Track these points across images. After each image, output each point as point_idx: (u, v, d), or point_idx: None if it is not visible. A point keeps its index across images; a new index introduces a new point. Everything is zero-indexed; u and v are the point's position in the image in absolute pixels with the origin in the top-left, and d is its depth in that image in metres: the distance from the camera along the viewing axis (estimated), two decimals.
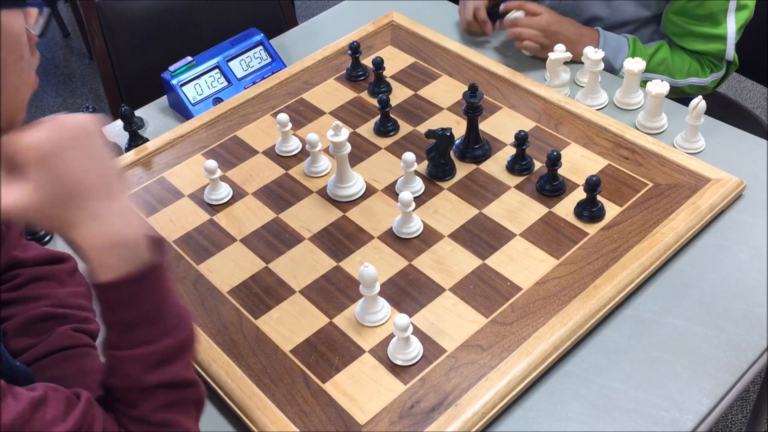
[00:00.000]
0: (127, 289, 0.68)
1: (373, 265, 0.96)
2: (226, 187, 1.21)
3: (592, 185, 1.07)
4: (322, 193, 1.20)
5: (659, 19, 1.47)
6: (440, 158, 1.18)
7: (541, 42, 1.38)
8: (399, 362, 0.96)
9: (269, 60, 1.47)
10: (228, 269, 1.10)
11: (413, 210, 1.10)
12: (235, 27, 1.52)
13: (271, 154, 1.28)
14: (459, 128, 1.24)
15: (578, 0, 1.47)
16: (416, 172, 1.18)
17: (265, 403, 0.93)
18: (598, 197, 1.10)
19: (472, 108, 1.18)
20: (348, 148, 1.13)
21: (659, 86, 1.22)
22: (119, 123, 1.37)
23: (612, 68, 1.41)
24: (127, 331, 0.70)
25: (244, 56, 1.46)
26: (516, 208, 1.14)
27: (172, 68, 1.41)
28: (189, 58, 1.42)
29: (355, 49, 1.38)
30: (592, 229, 1.09)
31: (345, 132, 1.11)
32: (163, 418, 0.71)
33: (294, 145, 1.27)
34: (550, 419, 0.92)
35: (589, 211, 1.10)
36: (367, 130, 1.30)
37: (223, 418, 0.95)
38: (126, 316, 0.69)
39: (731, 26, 1.39)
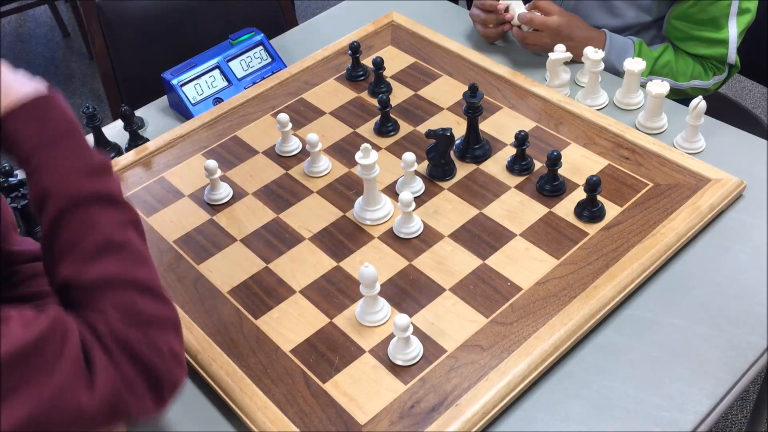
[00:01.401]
0: (34, 106, 0.72)
1: (373, 265, 0.96)
2: (226, 187, 1.21)
3: (593, 185, 1.07)
4: (322, 193, 1.20)
5: (660, 23, 1.47)
6: (440, 158, 1.18)
7: (548, 46, 1.37)
8: (399, 362, 0.96)
9: (269, 60, 1.47)
10: (228, 269, 1.10)
11: (413, 210, 1.10)
12: (235, 27, 1.52)
13: (271, 154, 1.28)
14: (459, 128, 1.25)
15: (579, 1, 1.47)
16: (416, 172, 1.18)
17: (265, 403, 0.93)
18: (599, 197, 1.10)
19: (472, 108, 1.18)
20: (377, 170, 1.10)
21: (659, 86, 1.22)
22: (119, 123, 1.37)
23: (617, 70, 1.41)
24: (52, 148, 0.72)
25: (244, 56, 1.46)
26: (516, 208, 1.14)
27: (173, 72, 1.41)
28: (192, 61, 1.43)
29: (355, 49, 1.38)
30: (592, 229, 1.09)
31: (374, 154, 1.09)
32: (122, 237, 0.74)
33: (294, 145, 1.27)
34: (550, 419, 0.92)
35: (590, 211, 1.10)
36: (367, 130, 1.30)
37: (223, 418, 0.95)
38: (43, 133, 0.72)
39: (733, 30, 1.39)
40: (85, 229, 0.72)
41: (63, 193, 0.72)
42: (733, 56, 1.42)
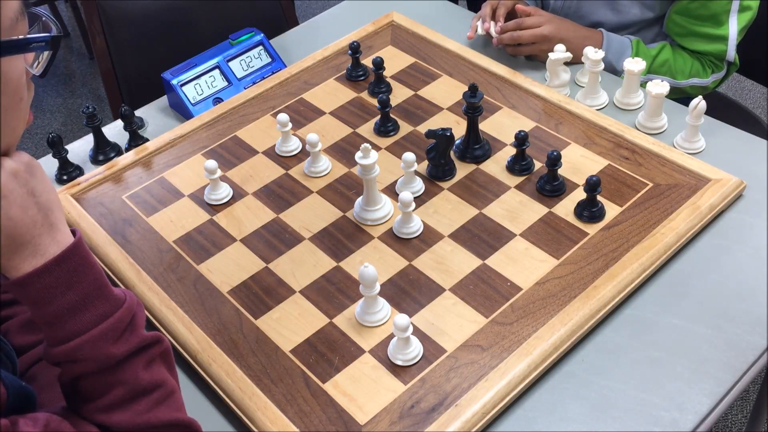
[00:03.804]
0: (60, 270, 0.67)
1: (373, 265, 0.96)
2: (226, 187, 1.21)
3: (592, 185, 1.07)
4: (322, 193, 1.20)
5: (662, 20, 1.47)
6: (440, 158, 1.18)
7: (544, 53, 1.37)
8: (399, 362, 0.96)
9: (269, 60, 1.47)
10: (228, 269, 1.10)
11: (413, 210, 1.10)
12: (235, 27, 1.52)
13: (271, 154, 1.28)
14: (459, 128, 1.24)
15: (582, 1, 1.47)
16: (416, 172, 1.18)
17: (265, 403, 0.93)
18: (598, 197, 1.10)
19: (472, 108, 1.18)
20: (377, 170, 1.10)
21: (659, 86, 1.22)
22: (119, 123, 1.37)
23: (615, 70, 1.41)
24: (77, 315, 0.68)
25: (244, 56, 1.46)
26: (516, 209, 1.14)
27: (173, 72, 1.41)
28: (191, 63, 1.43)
29: (355, 49, 1.38)
30: (592, 230, 1.09)
31: (374, 154, 1.09)
32: (150, 378, 0.71)
33: (294, 145, 1.27)
34: (550, 419, 0.92)
35: (589, 211, 1.10)
36: (367, 130, 1.30)
37: (223, 418, 0.95)
38: (69, 299, 0.68)
39: (733, 27, 1.39)
40: (113, 383, 0.71)
41: (92, 359, 0.69)
42: (732, 53, 1.42)
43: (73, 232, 0.71)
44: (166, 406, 0.73)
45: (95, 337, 0.69)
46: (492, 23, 1.42)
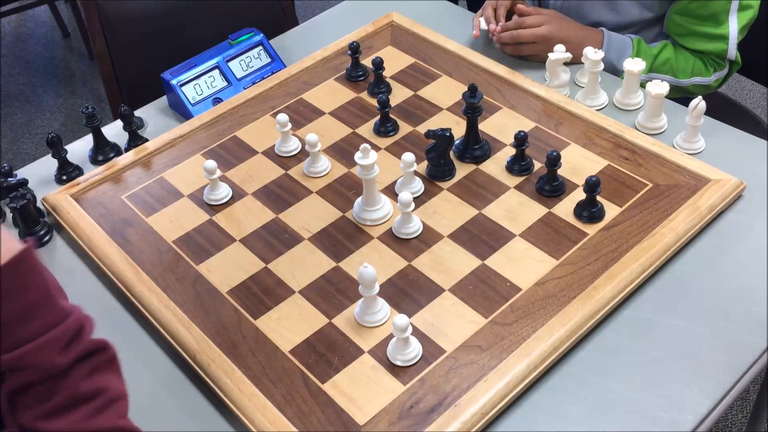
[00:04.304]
0: (11, 275, 0.67)
1: (372, 265, 0.96)
2: (226, 188, 1.21)
3: (592, 186, 1.07)
4: (322, 193, 1.20)
5: (662, 20, 1.47)
6: (440, 158, 1.18)
7: (544, 53, 1.36)
8: (398, 363, 0.96)
9: (269, 60, 1.47)
10: (227, 269, 1.10)
11: (413, 210, 1.09)
12: (235, 27, 1.52)
13: (270, 154, 1.28)
14: (459, 128, 1.24)
15: (582, 1, 1.47)
16: (416, 173, 1.18)
17: (264, 403, 0.93)
18: (598, 198, 1.10)
19: (472, 108, 1.18)
20: (376, 170, 1.10)
21: (659, 86, 1.22)
22: (119, 123, 1.37)
23: (616, 69, 1.41)
24: (24, 323, 0.68)
25: (243, 56, 1.46)
26: (516, 209, 1.14)
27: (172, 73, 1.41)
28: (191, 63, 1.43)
29: (354, 49, 1.38)
30: (591, 230, 1.09)
31: (373, 155, 1.09)
32: (92, 386, 0.71)
33: (294, 146, 1.27)
34: (549, 420, 0.92)
35: (589, 211, 1.10)
36: (366, 130, 1.30)
37: (222, 419, 0.95)
38: (17, 307, 0.68)
39: (733, 26, 1.39)
40: (56, 390, 0.71)
41: (37, 367, 0.69)
42: (733, 52, 1.42)
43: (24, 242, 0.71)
44: (107, 414, 0.73)
45: (41, 345, 0.69)
46: (493, 23, 1.42)
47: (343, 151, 1.27)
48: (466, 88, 1.21)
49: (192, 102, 1.39)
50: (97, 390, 0.73)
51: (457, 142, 1.23)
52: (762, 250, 1.07)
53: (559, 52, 1.31)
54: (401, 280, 1.06)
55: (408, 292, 1.04)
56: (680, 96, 1.44)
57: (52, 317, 0.70)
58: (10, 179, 1.21)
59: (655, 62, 1.42)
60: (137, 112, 1.42)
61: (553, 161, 1.12)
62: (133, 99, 1.70)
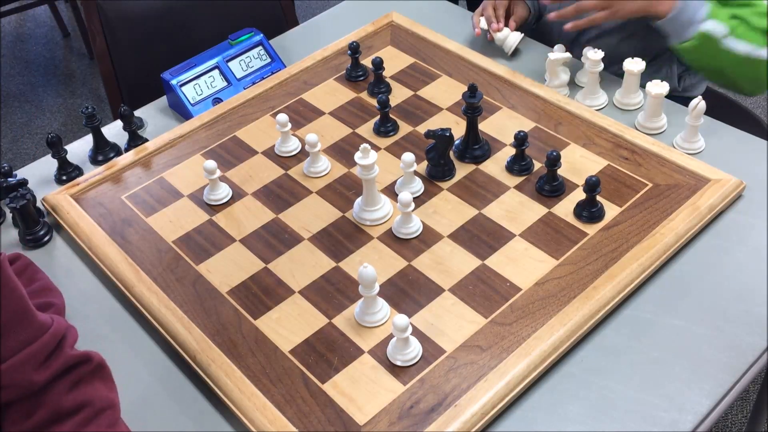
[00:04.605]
0: None
1: (372, 265, 0.96)
2: (226, 188, 1.21)
3: (592, 186, 1.07)
4: (322, 193, 1.20)
5: None
6: (440, 158, 1.18)
7: (612, 18, 1.26)
8: (398, 363, 0.96)
9: (269, 60, 1.47)
10: (227, 269, 1.10)
11: (413, 210, 1.09)
12: (235, 27, 1.52)
13: (270, 154, 1.28)
14: (458, 128, 1.24)
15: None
16: (416, 173, 1.18)
17: (264, 403, 0.93)
18: (598, 197, 1.10)
19: (472, 108, 1.18)
20: (376, 170, 1.10)
21: (659, 86, 1.22)
22: (119, 123, 1.37)
23: (690, 23, 1.26)
24: (3, 339, 0.66)
25: (243, 56, 1.46)
26: (515, 209, 1.14)
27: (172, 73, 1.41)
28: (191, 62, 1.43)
29: (354, 49, 1.38)
30: (591, 230, 1.09)
31: (373, 155, 1.09)
32: (75, 399, 0.70)
33: (293, 146, 1.27)
34: (549, 420, 0.92)
35: (589, 211, 1.10)
36: (366, 130, 1.30)
37: (222, 419, 0.95)
38: None
39: None
40: (38, 406, 0.70)
41: (13, 386, 0.68)
42: None
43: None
44: (95, 425, 0.71)
45: (15, 365, 0.67)
46: (495, 23, 1.42)
47: (343, 151, 1.27)
48: (465, 88, 1.21)
49: (192, 102, 1.39)
50: (81, 403, 0.71)
51: (457, 142, 1.23)
52: (762, 250, 1.07)
53: (559, 52, 1.31)
54: (401, 280, 1.06)
55: (408, 292, 1.04)
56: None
57: (27, 334, 0.68)
58: (10, 179, 1.21)
59: (730, 21, 1.25)
60: (137, 112, 1.42)
61: (553, 161, 1.12)
62: (133, 99, 1.70)
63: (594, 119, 1.25)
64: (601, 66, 1.28)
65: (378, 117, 1.29)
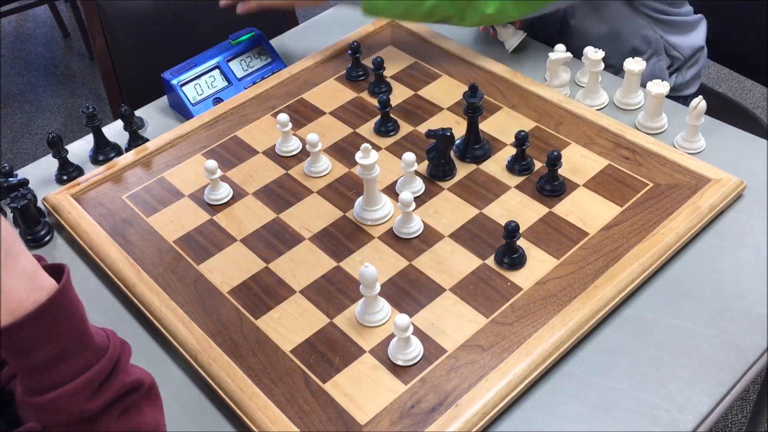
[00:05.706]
0: (38, 324, 0.63)
1: (373, 265, 0.96)
2: (226, 187, 1.21)
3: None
4: (322, 193, 1.20)
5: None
6: (440, 158, 1.18)
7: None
8: (399, 362, 0.96)
9: (269, 60, 1.47)
10: (228, 269, 1.10)
11: (413, 210, 1.10)
12: (235, 27, 1.52)
13: (271, 154, 1.28)
14: (459, 128, 1.24)
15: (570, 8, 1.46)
16: (416, 172, 1.18)
17: (265, 403, 0.93)
18: (598, 198, 1.10)
19: (472, 108, 1.18)
20: (377, 170, 1.10)
21: (659, 86, 1.22)
22: (119, 123, 1.37)
23: None
24: (54, 367, 0.65)
25: (244, 56, 1.46)
26: (516, 209, 1.14)
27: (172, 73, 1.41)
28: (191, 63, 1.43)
29: (355, 49, 1.38)
30: (591, 229, 1.09)
31: (374, 154, 1.09)
32: (123, 426, 0.69)
33: (294, 145, 1.27)
34: (550, 419, 0.92)
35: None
36: (367, 130, 1.30)
37: (223, 418, 0.95)
38: (48, 352, 0.64)
39: None
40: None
41: (65, 411, 0.66)
42: None
43: (61, 269, 0.67)
44: None
45: (69, 393, 0.66)
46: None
47: (343, 150, 1.27)
48: (466, 88, 1.21)
49: (192, 102, 1.39)
50: (128, 430, 0.70)
51: (457, 141, 1.23)
52: (762, 250, 1.07)
53: (559, 52, 1.31)
54: (402, 279, 1.06)
55: (409, 291, 1.04)
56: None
57: (83, 361, 0.66)
58: (10, 179, 1.21)
59: None
60: (137, 112, 1.42)
61: (554, 161, 1.12)
62: (133, 99, 1.70)
63: (594, 119, 1.25)
64: (602, 66, 1.28)
65: (379, 117, 1.30)
